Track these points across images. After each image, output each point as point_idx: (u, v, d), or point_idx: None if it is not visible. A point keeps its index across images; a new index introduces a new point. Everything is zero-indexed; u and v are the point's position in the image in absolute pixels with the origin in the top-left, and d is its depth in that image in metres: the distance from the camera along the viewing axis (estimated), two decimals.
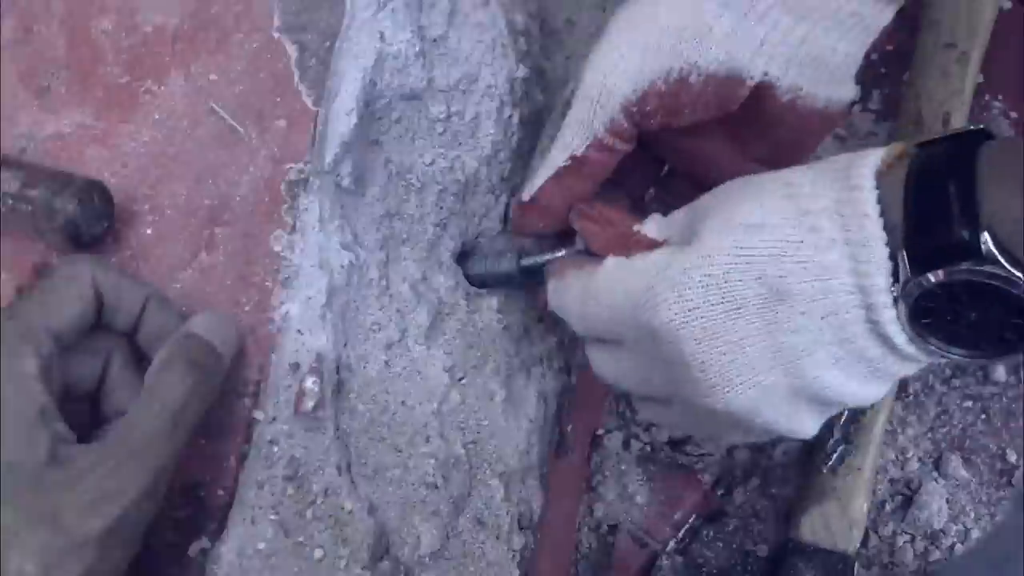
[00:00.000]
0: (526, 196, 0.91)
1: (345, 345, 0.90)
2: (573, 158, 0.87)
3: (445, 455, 0.93)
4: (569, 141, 0.86)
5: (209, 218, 0.88)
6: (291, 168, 0.89)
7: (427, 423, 0.93)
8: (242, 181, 0.89)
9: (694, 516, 1.15)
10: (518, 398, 1.01)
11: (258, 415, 0.86)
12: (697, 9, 0.80)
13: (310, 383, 0.85)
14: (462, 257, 1.01)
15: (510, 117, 0.99)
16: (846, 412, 1.12)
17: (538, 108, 1.04)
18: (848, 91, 0.85)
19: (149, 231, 0.88)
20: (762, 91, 0.82)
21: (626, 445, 1.19)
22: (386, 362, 0.92)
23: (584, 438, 1.16)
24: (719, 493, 1.17)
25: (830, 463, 1.12)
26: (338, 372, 0.89)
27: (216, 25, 0.92)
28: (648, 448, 1.19)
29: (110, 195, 0.85)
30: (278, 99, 0.91)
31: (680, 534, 1.14)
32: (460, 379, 0.96)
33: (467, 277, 1.00)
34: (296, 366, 0.86)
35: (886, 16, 0.80)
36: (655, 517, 1.14)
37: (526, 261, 0.96)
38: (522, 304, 1.03)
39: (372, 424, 0.91)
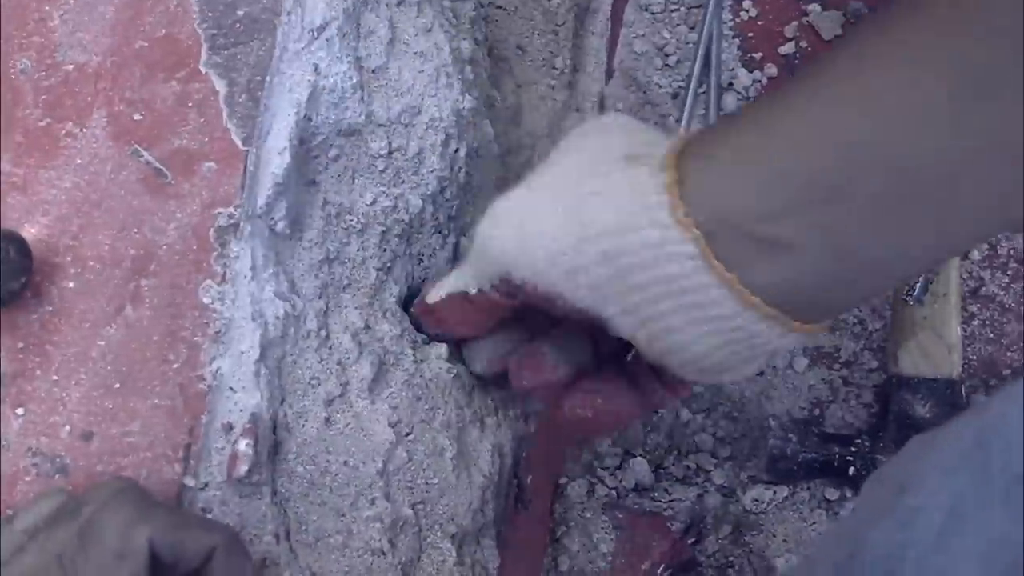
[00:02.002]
0: (430, 299, 0.91)
1: (282, 402, 0.86)
2: (465, 295, 0.86)
3: (392, 518, 0.89)
4: (463, 277, 0.86)
5: (134, 269, 0.84)
6: (220, 213, 0.85)
7: (372, 484, 0.88)
8: (168, 229, 0.85)
9: (663, 567, 1.11)
10: (471, 452, 0.97)
11: (188, 481, 0.82)
12: (579, 245, 0.73)
13: (244, 445, 0.81)
14: (409, 302, 0.97)
15: (456, 151, 0.96)
16: None
17: (487, 140, 1.01)
18: (726, 379, 0.79)
19: (71, 284, 0.84)
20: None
21: (591, 492, 1.16)
22: (326, 419, 0.88)
23: (545, 488, 1.13)
24: (690, 541, 1.14)
25: (915, 293, 1.17)
26: (274, 432, 0.85)
27: (140, 61, 0.88)
28: (614, 494, 1.16)
29: (28, 248, 0.80)
30: (206, 139, 0.86)
31: None
32: (407, 435, 0.92)
33: (413, 323, 0.96)
34: (229, 427, 0.82)
35: (789, 342, 0.74)
36: (622, 568, 1.12)
37: None
38: None
39: (312, 487, 0.87)
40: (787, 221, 0.66)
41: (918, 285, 1.17)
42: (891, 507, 0.64)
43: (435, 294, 0.90)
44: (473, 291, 0.84)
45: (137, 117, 0.86)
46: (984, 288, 1.26)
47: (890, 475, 0.69)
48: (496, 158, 1.05)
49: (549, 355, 0.87)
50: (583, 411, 0.87)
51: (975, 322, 1.26)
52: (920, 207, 0.66)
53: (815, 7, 1.37)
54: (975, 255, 1.27)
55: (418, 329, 0.96)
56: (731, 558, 1.15)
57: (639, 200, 0.70)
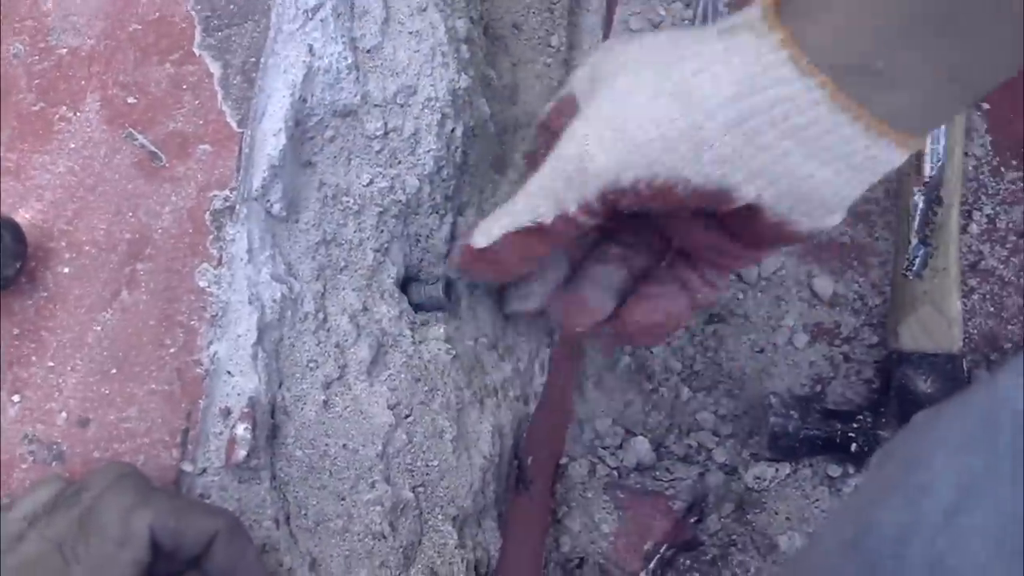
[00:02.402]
0: (481, 242, 0.88)
1: (280, 386, 0.86)
2: (539, 224, 0.84)
3: (392, 501, 0.89)
4: (535, 206, 0.84)
5: (130, 253, 0.84)
6: (216, 196, 0.84)
7: (371, 467, 0.88)
8: (164, 212, 0.84)
9: (666, 546, 1.11)
10: (470, 434, 0.97)
11: (186, 467, 0.81)
12: (699, 121, 0.76)
13: (242, 429, 0.80)
14: (407, 283, 0.96)
15: (453, 130, 0.95)
16: (918, 216, 1.17)
17: (483, 119, 1.00)
18: (835, 220, 0.82)
19: (66, 270, 0.83)
20: (750, 208, 0.79)
21: (591, 472, 1.15)
22: (325, 402, 0.87)
23: (546, 469, 1.12)
24: (692, 520, 1.14)
25: (914, 268, 1.17)
26: (273, 416, 0.84)
27: (133, 45, 0.87)
28: (615, 473, 1.15)
29: (22, 233, 0.80)
30: (200, 122, 0.86)
31: (652, 565, 1.10)
32: (406, 417, 0.91)
33: (411, 304, 0.96)
34: (227, 411, 0.82)
35: (900, 158, 0.77)
36: (624, 548, 1.11)
37: (453, 294, 0.98)
38: (473, 331, 0.98)
39: (311, 471, 0.86)
40: (902, 54, 0.71)
41: (918, 260, 1.16)
42: (898, 485, 0.65)
43: (489, 234, 0.88)
44: (550, 219, 0.83)
45: (131, 100, 0.86)
46: (983, 262, 1.26)
47: (896, 452, 0.70)
48: (493, 137, 1.04)
49: (591, 298, 0.91)
50: (651, 316, 0.90)
51: (975, 296, 1.26)
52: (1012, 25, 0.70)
53: None
54: (974, 229, 1.26)
55: (415, 310, 0.96)
56: (733, 536, 1.15)
57: (756, 63, 0.73)
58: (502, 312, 1.03)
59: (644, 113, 0.77)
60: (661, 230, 0.91)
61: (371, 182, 0.91)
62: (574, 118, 0.82)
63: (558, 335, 1.09)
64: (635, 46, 0.81)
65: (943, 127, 1.15)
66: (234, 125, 0.85)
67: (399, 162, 0.93)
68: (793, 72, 0.72)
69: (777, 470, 1.18)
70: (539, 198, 0.83)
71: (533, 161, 0.91)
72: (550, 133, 0.87)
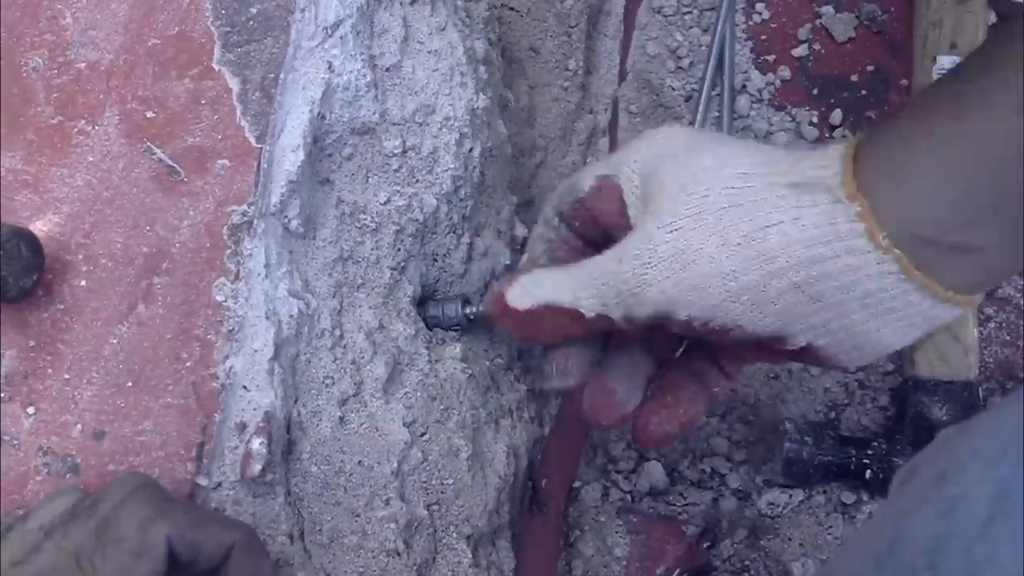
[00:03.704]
0: (517, 303, 0.86)
1: (296, 401, 0.85)
2: (579, 312, 0.83)
3: (407, 518, 0.88)
4: (580, 297, 0.82)
5: (147, 267, 0.84)
6: (234, 211, 0.84)
7: (386, 484, 0.88)
8: (182, 226, 0.84)
9: (678, 571, 1.10)
10: (486, 453, 0.97)
11: (201, 480, 0.81)
12: (765, 279, 0.75)
13: (257, 444, 0.80)
14: (423, 302, 0.96)
15: (471, 150, 0.95)
16: None
17: (501, 140, 1.00)
18: (871, 359, 0.82)
19: (83, 283, 0.83)
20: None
21: (605, 496, 1.15)
22: (341, 419, 0.87)
23: (559, 491, 1.12)
24: (705, 545, 1.13)
25: None
26: (288, 431, 0.84)
27: (153, 59, 0.87)
28: (628, 498, 1.15)
29: (39, 245, 0.80)
30: (219, 136, 0.86)
31: None
32: (422, 435, 0.91)
33: (425, 322, 0.96)
34: (242, 426, 0.81)
35: (960, 313, 0.77)
36: (637, 573, 1.11)
37: (469, 310, 0.96)
38: (488, 351, 0.98)
39: (326, 487, 0.86)
40: (975, 230, 0.71)
41: None
42: (930, 498, 0.65)
43: (526, 298, 0.85)
44: (592, 314, 0.82)
45: (150, 115, 0.86)
46: (1000, 290, 1.26)
47: (922, 467, 0.70)
48: (510, 158, 1.05)
49: (619, 391, 0.88)
50: (664, 428, 0.88)
51: (991, 324, 1.25)
52: None
53: (828, 9, 1.36)
54: None
55: (429, 327, 0.96)
56: (746, 562, 1.14)
57: (831, 230, 0.73)
58: (537, 387, 1.02)
59: (708, 259, 0.76)
60: None
61: (388, 200, 0.91)
62: (630, 233, 0.81)
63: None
64: (700, 158, 0.80)
65: None
66: (252, 141, 0.85)
67: (417, 181, 0.92)
68: (868, 245, 0.72)
69: (791, 496, 1.17)
70: (586, 293, 0.82)
71: (568, 215, 0.89)
72: (589, 214, 0.87)
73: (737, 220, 0.75)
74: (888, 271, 0.72)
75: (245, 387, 0.82)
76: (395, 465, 0.88)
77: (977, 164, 0.71)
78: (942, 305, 0.74)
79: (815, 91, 1.35)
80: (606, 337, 0.89)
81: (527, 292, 0.85)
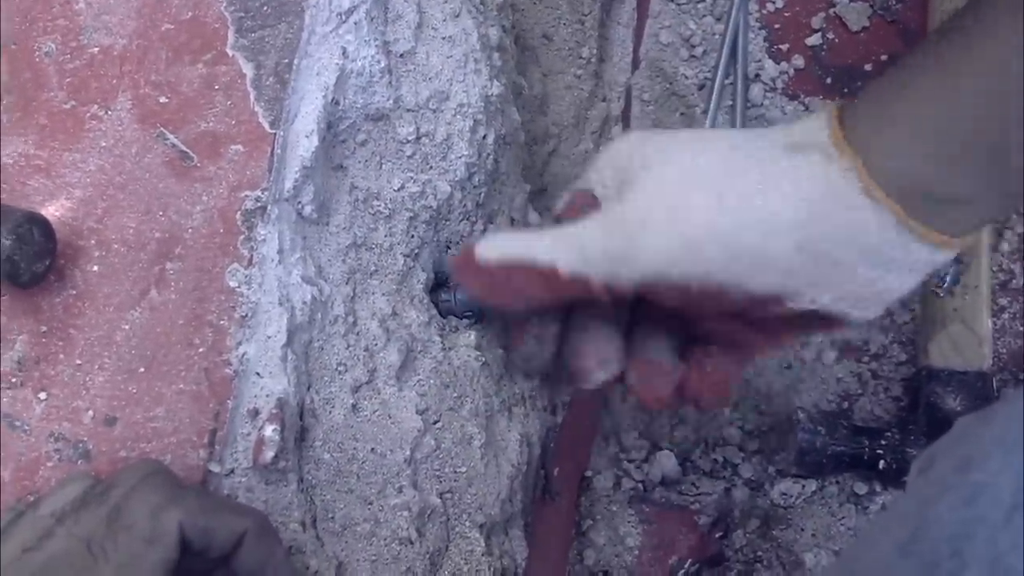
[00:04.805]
0: (486, 255, 0.82)
1: (308, 388, 0.85)
2: (553, 271, 0.79)
3: (419, 506, 0.88)
4: (560, 254, 0.79)
5: (159, 252, 0.83)
6: (247, 196, 0.84)
7: (399, 472, 0.88)
8: (194, 211, 0.84)
9: (690, 561, 1.10)
10: (499, 441, 0.96)
11: (214, 467, 0.81)
12: (766, 239, 0.75)
13: (270, 431, 0.80)
14: (436, 289, 0.96)
15: (484, 137, 0.95)
16: None
17: (514, 127, 1.00)
18: (878, 311, 0.81)
19: (95, 268, 0.83)
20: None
21: (617, 485, 1.14)
22: (353, 406, 0.87)
23: (571, 481, 1.12)
24: (717, 535, 1.13)
25: (945, 286, 1.18)
26: (301, 418, 0.84)
27: (166, 44, 0.87)
28: (640, 487, 1.14)
29: (52, 229, 0.79)
30: (233, 122, 0.86)
31: None
32: (435, 422, 0.91)
33: (438, 309, 0.96)
34: (255, 412, 0.81)
35: (955, 253, 0.78)
36: (649, 562, 1.11)
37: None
38: (502, 339, 0.97)
39: (339, 474, 0.86)
40: (963, 181, 0.73)
41: (948, 277, 1.16)
42: (952, 485, 0.65)
43: (499, 250, 0.81)
44: (568, 274, 0.78)
45: (163, 100, 0.86)
46: (1014, 281, 1.25)
47: (942, 456, 0.70)
48: (523, 146, 1.04)
49: (665, 362, 0.85)
50: (720, 390, 0.87)
51: (1005, 315, 1.25)
52: None
53: None
54: (1005, 247, 1.26)
55: (441, 314, 0.95)
56: (759, 552, 1.14)
57: (827, 188, 0.73)
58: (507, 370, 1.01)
59: (705, 219, 0.75)
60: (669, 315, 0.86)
61: (402, 187, 0.91)
62: (615, 201, 0.80)
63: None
64: (681, 139, 0.80)
65: None
66: (266, 126, 0.85)
67: (431, 167, 0.92)
68: (865, 201, 0.73)
69: (804, 486, 1.17)
70: (568, 251, 0.79)
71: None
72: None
73: (731, 180, 0.75)
74: (886, 224, 0.73)
75: (258, 373, 0.82)
76: (408, 453, 0.88)
77: (959, 116, 0.72)
78: (941, 250, 0.75)
79: (829, 80, 1.35)
80: (567, 312, 0.86)
81: (498, 247, 0.81)
